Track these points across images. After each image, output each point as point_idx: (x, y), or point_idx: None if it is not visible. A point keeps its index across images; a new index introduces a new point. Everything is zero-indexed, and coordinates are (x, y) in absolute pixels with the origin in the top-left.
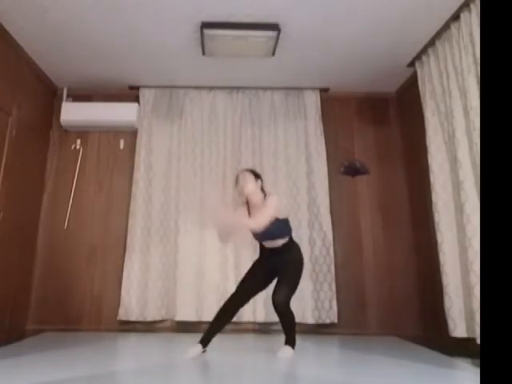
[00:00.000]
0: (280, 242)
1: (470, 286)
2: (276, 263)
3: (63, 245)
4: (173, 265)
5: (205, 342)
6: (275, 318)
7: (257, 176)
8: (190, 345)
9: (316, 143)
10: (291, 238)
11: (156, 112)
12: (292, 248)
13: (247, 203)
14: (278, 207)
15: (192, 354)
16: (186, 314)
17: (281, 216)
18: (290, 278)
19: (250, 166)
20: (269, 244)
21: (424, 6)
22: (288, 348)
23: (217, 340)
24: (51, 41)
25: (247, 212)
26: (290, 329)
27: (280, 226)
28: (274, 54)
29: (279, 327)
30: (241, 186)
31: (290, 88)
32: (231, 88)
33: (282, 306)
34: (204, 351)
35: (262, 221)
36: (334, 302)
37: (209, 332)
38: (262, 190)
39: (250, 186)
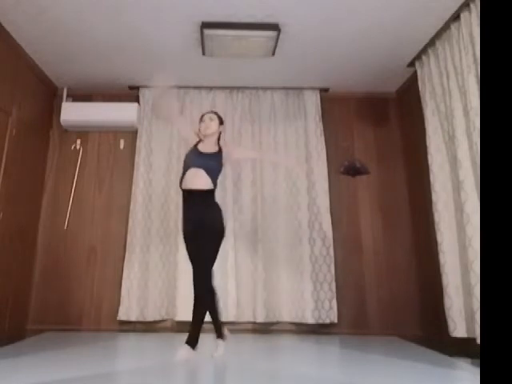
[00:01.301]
0: (209, 186)
1: (470, 286)
2: (195, 219)
3: (63, 245)
4: (173, 265)
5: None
6: (275, 318)
7: (221, 121)
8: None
9: (316, 143)
10: (213, 192)
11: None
12: (214, 204)
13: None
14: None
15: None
16: (186, 314)
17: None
18: (207, 246)
19: (249, 165)
20: (197, 185)
21: (424, 6)
22: (185, 348)
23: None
24: (51, 41)
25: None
26: (195, 324)
27: (216, 166)
28: (274, 53)
29: (279, 327)
30: (206, 124)
31: (289, 88)
32: (231, 88)
33: (200, 296)
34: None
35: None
36: (334, 302)
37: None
38: (219, 137)
39: (214, 126)
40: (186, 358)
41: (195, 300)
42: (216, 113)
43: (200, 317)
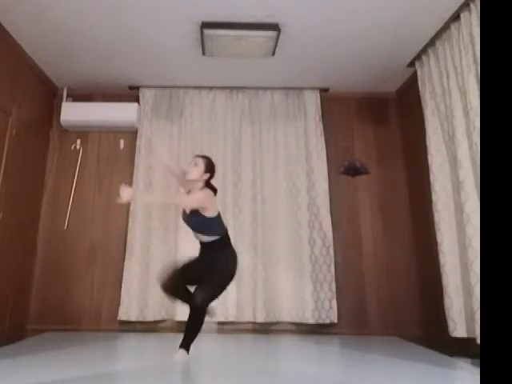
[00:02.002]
0: (207, 239)
1: (470, 286)
2: (206, 262)
3: (63, 245)
4: None
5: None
6: (275, 318)
7: (208, 169)
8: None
9: (316, 143)
10: (224, 240)
11: (156, 112)
12: (224, 250)
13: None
14: (202, 201)
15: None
16: (185, 314)
17: (207, 213)
18: (213, 280)
19: (250, 164)
20: (199, 237)
21: (424, 6)
22: (182, 352)
23: (217, 340)
24: (51, 41)
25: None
26: (192, 332)
27: (205, 222)
28: (274, 53)
29: (279, 327)
30: (187, 169)
31: (289, 88)
32: (231, 88)
33: (196, 310)
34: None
35: (183, 200)
36: (334, 302)
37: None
38: (208, 184)
39: (196, 173)
40: (184, 359)
41: (197, 311)
42: (205, 158)
43: (199, 327)
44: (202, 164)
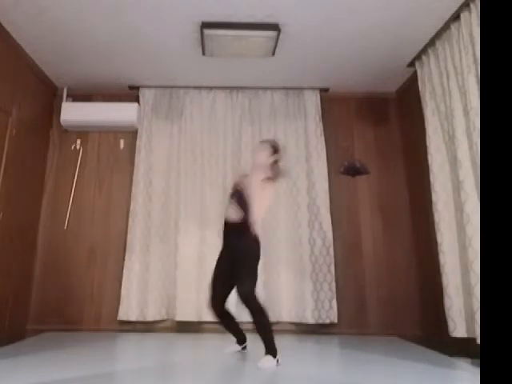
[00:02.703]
0: (235, 216)
1: (470, 286)
2: (231, 248)
3: (63, 245)
4: (173, 265)
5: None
6: (275, 318)
7: (275, 150)
8: (191, 345)
9: (316, 143)
10: (249, 224)
11: (156, 112)
12: (247, 234)
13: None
14: (255, 186)
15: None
16: (186, 314)
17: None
18: (243, 265)
19: (250, 164)
20: (229, 214)
21: (424, 6)
22: (269, 358)
23: (217, 340)
24: (51, 41)
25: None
26: (265, 331)
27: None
28: (274, 53)
29: (279, 327)
30: (254, 155)
31: (289, 88)
32: (231, 88)
33: (250, 301)
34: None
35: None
36: (334, 302)
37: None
38: (276, 164)
39: (263, 157)
40: (272, 366)
41: (250, 302)
42: (269, 141)
43: (266, 321)
44: (267, 148)
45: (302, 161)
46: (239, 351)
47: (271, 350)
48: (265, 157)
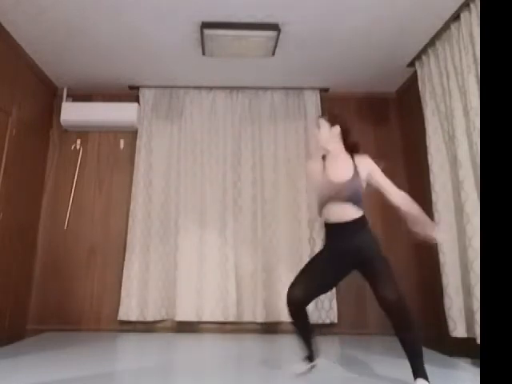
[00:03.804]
0: (351, 213)
1: (470, 286)
2: (348, 250)
3: (63, 245)
4: (173, 265)
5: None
6: (275, 318)
7: (335, 122)
8: (190, 345)
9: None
10: (366, 219)
11: (156, 112)
12: (367, 228)
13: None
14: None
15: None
16: (186, 313)
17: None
18: (383, 266)
19: (250, 164)
20: (335, 215)
21: (424, 5)
22: (422, 382)
23: (217, 340)
24: (51, 41)
25: (322, 166)
26: (420, 348)
27: (360, 189)
28: (274, 54)
29: (280, 327)
30: (315, 135)
31: (289, 88)
32: (231, 88)
33: (399, 307)
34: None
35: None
36: (334, 302)
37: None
38: (345, 137)
39: (323, 134)
40: None
41: (401, 311)
42: (327, 116)
43: (420, 341)
44: (323, 122)
45: (302, 161)
46: (309, 370)
47: (423, 372)
48: (326, 133)
